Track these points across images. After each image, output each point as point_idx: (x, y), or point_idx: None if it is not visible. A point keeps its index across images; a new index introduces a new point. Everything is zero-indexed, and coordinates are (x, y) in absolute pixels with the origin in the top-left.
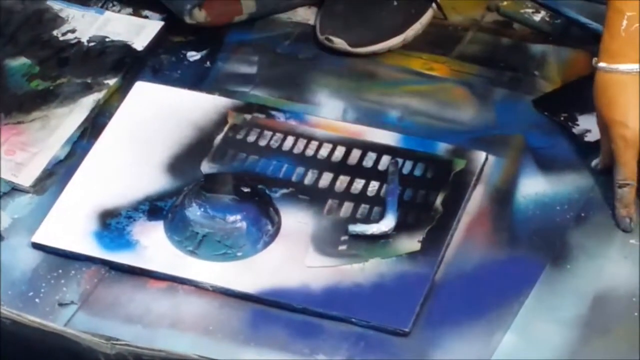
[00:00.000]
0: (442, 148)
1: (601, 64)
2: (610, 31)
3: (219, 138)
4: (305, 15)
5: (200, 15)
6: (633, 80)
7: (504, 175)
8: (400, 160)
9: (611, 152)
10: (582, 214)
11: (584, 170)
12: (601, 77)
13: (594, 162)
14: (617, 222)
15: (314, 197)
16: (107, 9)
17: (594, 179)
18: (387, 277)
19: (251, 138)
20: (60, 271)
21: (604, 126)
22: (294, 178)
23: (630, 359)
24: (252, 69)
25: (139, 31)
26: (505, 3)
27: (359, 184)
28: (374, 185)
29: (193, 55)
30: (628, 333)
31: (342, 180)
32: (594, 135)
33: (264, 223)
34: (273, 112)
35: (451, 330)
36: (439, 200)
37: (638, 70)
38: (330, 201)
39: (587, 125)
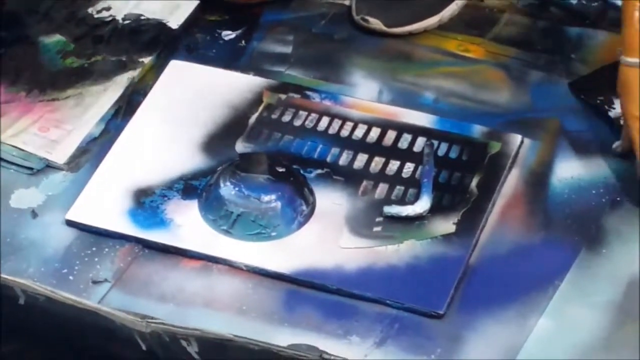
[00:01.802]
0: (478, 130)
1: (626, 58)
2: (626, 23)
3: (253, 117)
4: None
5: None
6: None
7: (539, 159)
8: (435, 142)
9: (631, 140)
10: (618, 198)
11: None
12: (623, 70)
13: (615, 144)
14: None
15: (348, 178)
16: None
17: (629, 163)
18: (421, 259)
19: (286, 118)
20: (94, 249)
21: (624, 118)
22: (328, 159)
23: None
24: (287, 49)
25: (174, 10)
26: None
27: (394, 165)
28: (409, 167)
29: (228, 35)
30: None
31: (377, 162)
32: None
33: (299, 203)
34: (308, 92)
35: (485, 313)
36: (474, 183)
37: None
38: (365, 182)
39: None
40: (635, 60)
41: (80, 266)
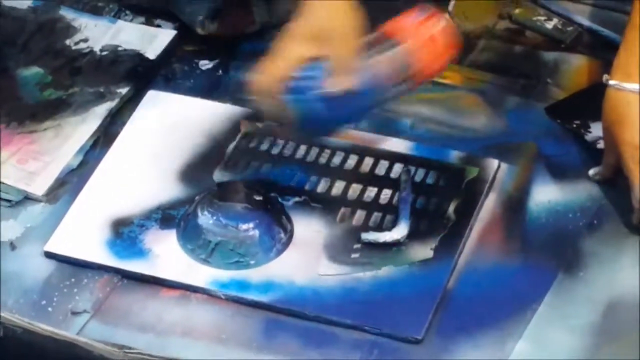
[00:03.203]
0: (455, 156)
1: (613, 82)
2: (627, 48)
3: (231, 146)
4: None
5: (212, 27)
6: None
7: (516, 183)
8: (412, 168)
9: (613, 166)
10: (595, 222)
11: None
12: (612, 95)
13: (591, 171)
14: None
15: (326, 205)
16: (119, 18)
17: (606, 186)
18: (399, 285)
19: (264, 146)
20: (72, 280)
21: (612, 143)
22: (306, 186)
23: None
24: None
25: (152, 40)
26: (517, 11)
27: (371, 192)
28: (386, 194)
29: (205, 64)
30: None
31: (355, 189)
32: None
33: (277, 231)
34: None
35: (464, 338)
36: (451, 208)
37: None
38: (342, 209)
39: (599, 132)
40: (635, 86)
41: (59, 297)
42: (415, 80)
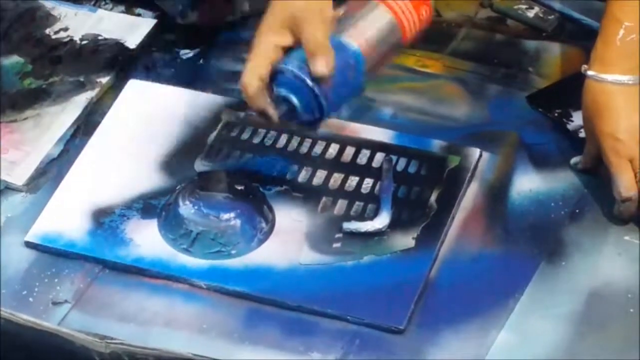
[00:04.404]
0: (436, 145)
1: (591, 72)
2: (604, 39)
3: (212, 136)
4: None
5: (192, 16)
6: (623, 91)
7: (498, 172)
8: (394, 157)
9: (594, 156)
10: (577, 211)
11: None
12: (591, 85)
13: (573, 160)
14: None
15: (308, 194)
16: (99, 7)
17: (588, 175)
18: (381, 274)
19: (245, 136)
20: (53, 270)
21: (592, 134)
22: (288, 176)
23: (625, 355)
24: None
25: (132, 29)
26: None
27: (353, 181)
28: (368, 183)
29: (186, 53)
30: (623, 329)
31: (336, 178)
32: None
33: (258, 221)
34: None
35: (446, 328)
36: (433, 197)
37: (630, 81)
38: (324, 199)
39: (581, 121)
40: (616, 77)
41: (40, 287)
42: (404, 37)
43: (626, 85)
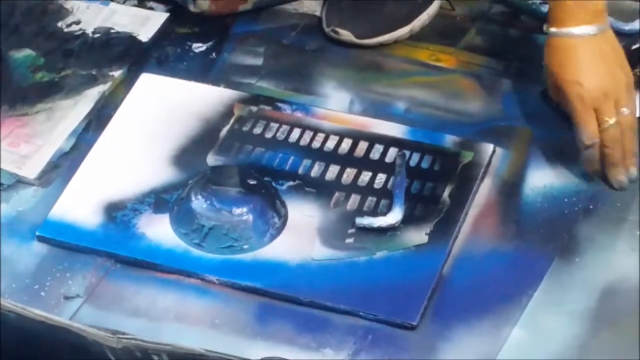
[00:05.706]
0: (450, 140)
1: (553, 29)
2: None
3: (225, 130)
4: (311, 6)
5: (204, 4)
6: (583, 41)
7: (511, 168)
8: (407, 153)
9: (572, 110)
10: (590, 206)
11: None
12: (552, 42)
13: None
14: (612, 184)
15: (320, 189)
16: (112, 0)
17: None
18: (394, 270)
19: (257, 130)
20: (65, 264)
21: (558, 87)
22: (300, 170)
23: (639, 351)
24: (258, 61)
25: (144, 22)
26: None
27: (366, 176)
28: (381, 178)
29: (198, 47)
30: (636, 325)
31: (349, 173)
32: None
33: (271, 216)
34: (279, 104)
35: (459, 324)
36: (446, 193)
37: (587, 32)
38: (337, 194)
39: None
40: (579, 28)
41: (51, 282)
42: None
43: (588, 36)
